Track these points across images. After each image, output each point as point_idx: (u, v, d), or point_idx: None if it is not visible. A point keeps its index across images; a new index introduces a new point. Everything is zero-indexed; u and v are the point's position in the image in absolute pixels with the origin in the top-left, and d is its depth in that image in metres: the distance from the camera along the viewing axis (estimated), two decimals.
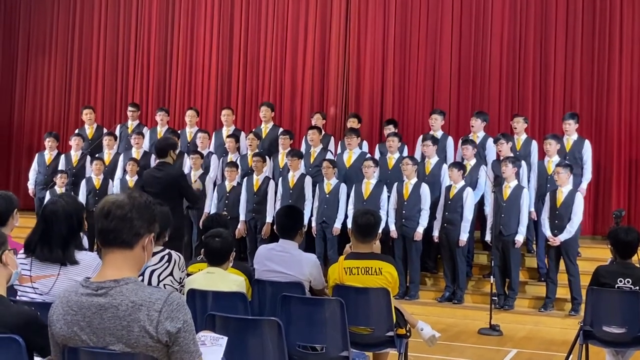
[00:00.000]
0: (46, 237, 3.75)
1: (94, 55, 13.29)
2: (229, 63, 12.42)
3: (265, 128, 10.76)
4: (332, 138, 10.63)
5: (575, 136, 9.40)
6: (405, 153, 9.84)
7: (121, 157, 10.67)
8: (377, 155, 10.01)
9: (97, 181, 10.31)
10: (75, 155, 10.93)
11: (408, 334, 5.06)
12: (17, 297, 3.71)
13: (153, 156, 10.32)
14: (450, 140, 9.97)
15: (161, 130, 11.10)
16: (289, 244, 5.07)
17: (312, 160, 9.96)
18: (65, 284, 3.61)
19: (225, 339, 2.94)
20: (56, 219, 3.75)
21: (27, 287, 3.72)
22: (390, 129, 10.21)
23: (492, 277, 8.40)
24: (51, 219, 3.76)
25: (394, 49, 11.46)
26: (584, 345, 5.51)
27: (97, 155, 10.70)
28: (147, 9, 12.99)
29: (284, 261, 4.99)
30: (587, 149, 9.31)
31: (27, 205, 11.69)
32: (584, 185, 9.15)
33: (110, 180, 10.42)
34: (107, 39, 13.22)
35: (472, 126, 9.82)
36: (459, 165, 9.03)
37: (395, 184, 9.18)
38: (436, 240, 9.08)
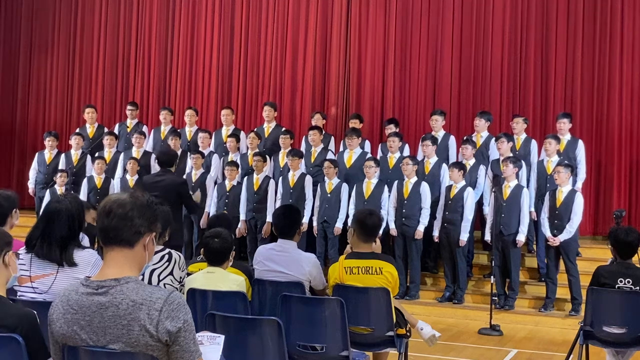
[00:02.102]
0: (46, 235, 3.77)
1: (95, 54, 13.31)
2: (229, 62, 12.43)
3: (268, 128, 10.76)
4: (333, 138, 10.64)
5: (568, 136, 9.41)
6: (407, 152, 9.83)
7: (121, 157, 10.68)
8: (379, 155, 10.01)
9: (98, 180, 10.31)
10: (75, 154, 10.94)
11: (408, 333, 5.06)
12: (17, 297, 3.72)
13: (153, 155, 10.35)
14: (452, 140, 9.96)
15: (164, 129, 11.11)
16: (287, 243, 5.08)
17: (312, 160, 9.96)
18: (64, 281, 3.62)
19: (223, 337, 2.94)
20: (58, 218, 3.77)
21: (26, 287, 3.73)
22: (391, 128, 10.20)
23: (492, 277, 8.39)
24: (53, 217, 3.78)
25: (394, 49, 11.46)
26: (584, 346, 5.51)
27: (97, 154, 10.71)
28: (147, 8, 12.99)
29: (284, 261, 4.99)
30: (581, 148, 9.32)
31: (27, 204, 11.71)
32: (579, 184, 9.14)
33: (112, 180, 10.42)
34: (108, 38, 13.23)
35: (476, 126, 9.82)
36: (459, 165, 9.02)
37: (396, 182, 9.18)
38: (436, 240, 9.08)
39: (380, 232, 8.25)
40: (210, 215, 9.75)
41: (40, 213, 3.95)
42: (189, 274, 4.73)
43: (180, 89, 12.74)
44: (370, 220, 4.91)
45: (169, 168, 7.53)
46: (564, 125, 9.36)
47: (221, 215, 6.59)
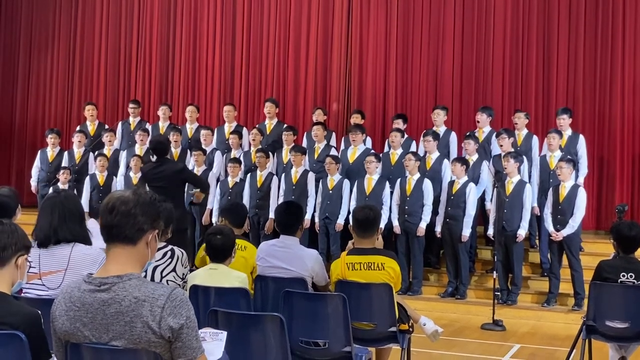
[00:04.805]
0: (51, 232, 3.80)
1: (95, 51, 13.30)
2: (231, 59, 12.42)
3: (270, 124, 10.75)
4: (334, 134, 10.63)
5: (569, 131, 9.40)
6: (413, 149, 9.82)
7: (124, 154, 10.69)
8: (385, 151, 10.00)
9: (101, 178, 10.32)
10: (78, 152, 10.94)
11: (411, 329, 5.06)
12: (23, 294, 3.73)
13: None
14: (453, 136, 9.95)
15: (163, 125, 11.12)
16: (290, 239, 5.09)
17: (316, 156, 9.96)
18: (74, 278, 3.64)
19: (225, 333, 2.95)
20: (63, 206, 3.83)
21: (34, 284, 3.75)
22: (398, 123, 10.18)
23: (494, 272, 8.39)
24: (59, 205, 3.84)
25: (396, 45, 11.45)
26: (587, 340, 5.50)
27: (98, 152, 10.72)
28: (149, 4, 12.98)
29: (286, 257, 5.00)
30: (582, 143, 9.31)
31: (29, 202, 11.72)
32: (581, 179, 9.14)
33: (114, 177, 10.44)
34: (109, 35, 13.23)
35: (478, 121, 9.81)
36: (462, 160, 9.02)
37: (399, 179, 9.18)
38: (439, 235, 9.08)
39: (382, 227, 8.31)
40: (213, 211, 9.78)
41: (39, 210, 4.01)
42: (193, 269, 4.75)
43: (182, 85, 12.73)
44: (362, 213, 4.90)
45: (165, 156, 7.64)
46: (564, 121, 9.35)
47: (239, 203, 6.76)
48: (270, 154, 9.97)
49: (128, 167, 10.38)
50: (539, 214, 9.05)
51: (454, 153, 9.74)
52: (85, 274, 3.58)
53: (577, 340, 5.62)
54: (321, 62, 11.86)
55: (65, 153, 11.02)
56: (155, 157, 7.96)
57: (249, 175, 9.79)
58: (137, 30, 13.06)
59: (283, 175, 9.67)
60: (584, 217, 8.69)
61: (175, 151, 10.27)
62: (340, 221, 9.28)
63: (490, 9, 11.02)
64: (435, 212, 9.07)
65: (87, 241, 3.90)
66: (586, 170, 9.31)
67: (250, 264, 5.18)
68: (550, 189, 8.67)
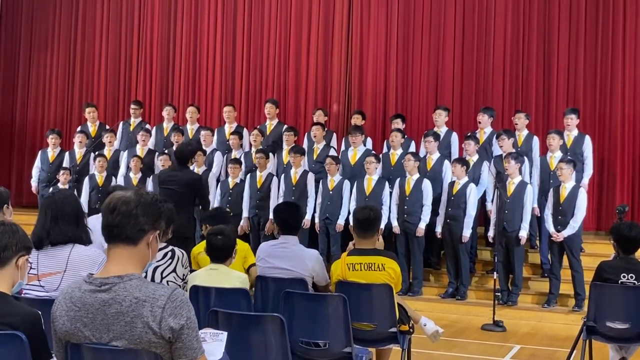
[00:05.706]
0: (49, 232, 3.80)
1: (96, 52, 13.29)
2: (232, 60, 12.42)
3: (270, 125, 10.75)
4: (335, 134, 10.63)
5: (575, 132, 9.39)
6: (412, 149, 9.82)
7: (124, 155, 10.69)
8: (384, 151, 10.00)
9: (100, 178, 10.32)
10: (79, 152, 10.94)
11: (411, 330, 5.06)
12: (22, 294, 3.73)
13: (157, 153, 10.38)
14: (454, 136, 9.94)
15: (167, 126, 11.14)
16: (290, 239, 5.09)
17: (315, 156, 9.96)
18: (73, 280, 3.64)
19: (225, 334, 2.95)
20: (57, 206, 3.83)
21: (33, 285, 3.75)
22: (397, 123, 10.17)
23: (495, 273, 8.39)
24: (52, 206, 3.84)
25: (396, 45, 11.45)
26: (587, 341, 5.50)
27: (98, 153, 10.71)
28: (150, 5, 12.98)
29: (287, 257, 5.00)
30: (588, 144, 9.30)
31: (30, 202, 11.72)
32: (585, 180, 9.14)
33: (114, 177, 10.43)
34: (110, 35, 13.22)
35: (479, 122, 9.80)
36: (462, 161, 9.02)
37: (398, 179, 9.19)
38: (439, 236, 9.08)
39: (382, 227, 8.31)
40: None
41: (39, 211, 4.01)
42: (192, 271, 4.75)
43: (183, 86, 12.73)
44: (362, 214, 4.91)
45: (185, 164, 7.70)
46: (572, 121, 9.33)
47: (220, 209, 6.73)
48: (270, 154, 9.97)
49: (128, 168, 10.38)
50: (539, 215, 9.05)
51: (455, 154, 9.73)
52: (84, 274, 3.60)
53: (577, 341, 5.61)
54: (322, 63, 11.85)
55: (67, 153, 11.02)
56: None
57: (248, 175, 9.80)
58: (137, 30, 13.06)
59: (282, 176, 9.67)
60: (585, 218, 8.69)
61: None
62: (341, 222, 9.28)
63: (490, 9, 11.02)
64: (435, 213, 9.07)
65: (84, 241, 3.89)
66: (591, 171, 9.30)
67: (241, 256, 5.25)
68: (551, 189, 8.66)
